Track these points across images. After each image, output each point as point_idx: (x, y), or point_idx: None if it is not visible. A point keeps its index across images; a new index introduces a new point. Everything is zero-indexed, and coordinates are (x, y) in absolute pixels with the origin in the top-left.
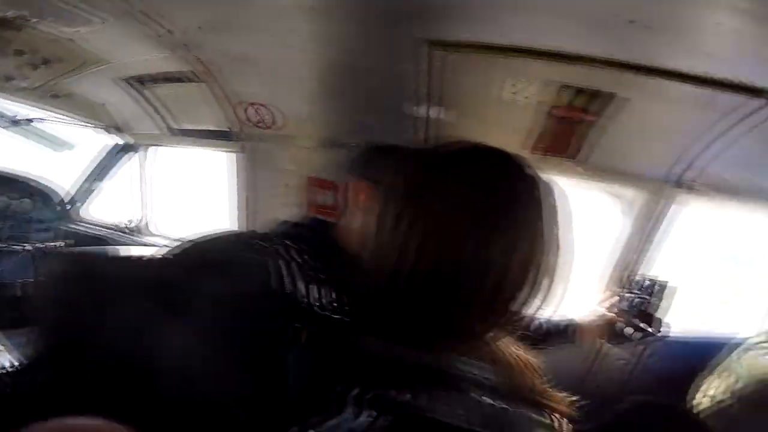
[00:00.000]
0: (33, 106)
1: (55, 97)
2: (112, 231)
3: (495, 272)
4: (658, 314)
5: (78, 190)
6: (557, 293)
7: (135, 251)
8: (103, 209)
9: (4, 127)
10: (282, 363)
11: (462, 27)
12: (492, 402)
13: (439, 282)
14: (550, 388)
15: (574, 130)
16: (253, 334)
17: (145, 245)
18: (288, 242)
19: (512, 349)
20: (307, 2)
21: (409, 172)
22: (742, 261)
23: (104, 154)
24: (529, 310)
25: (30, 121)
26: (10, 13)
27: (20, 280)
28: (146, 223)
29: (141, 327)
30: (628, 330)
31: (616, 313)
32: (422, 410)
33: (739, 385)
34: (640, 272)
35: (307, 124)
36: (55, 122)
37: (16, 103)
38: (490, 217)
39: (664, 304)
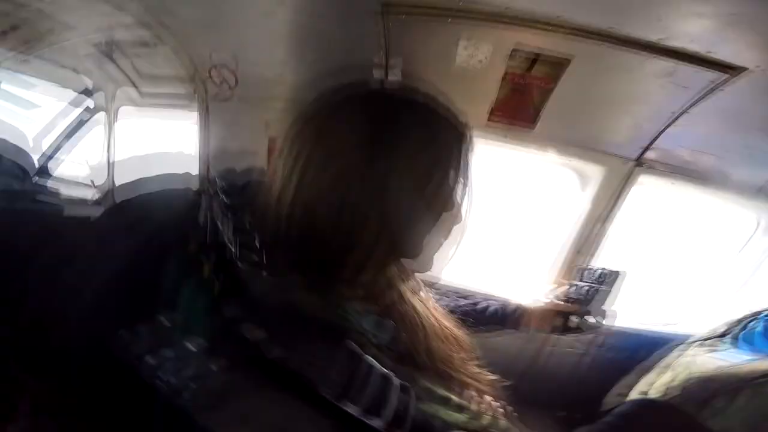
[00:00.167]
0: (2, 69)
1: (24, 62)
2: (75, 193)
3: (375, 214)
4: (606, 305)
5: (44, 152)
6: (450, 249)
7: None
8: (67, 171)
9: None
10: (178, 289)
11: None
12: (374, 365)
13: (317, 223)
14: (480, 367)
15: (531, 97)
16: (161, 257)
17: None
18: (220, 189)
19: (436, 316)
20: None
21: (294, 120)
22: (698, 251)
23: (72, 117)
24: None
25: None
26: None
27: None
28: (110, 186)
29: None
30: (574, 320)
31: (564, 302)
32: (277, 358)
33: (675, 383)
34: (593, 254)
35: (270, 87)
36: (23, 86)
37: None
38: (368, 159)
39: (614, 294)
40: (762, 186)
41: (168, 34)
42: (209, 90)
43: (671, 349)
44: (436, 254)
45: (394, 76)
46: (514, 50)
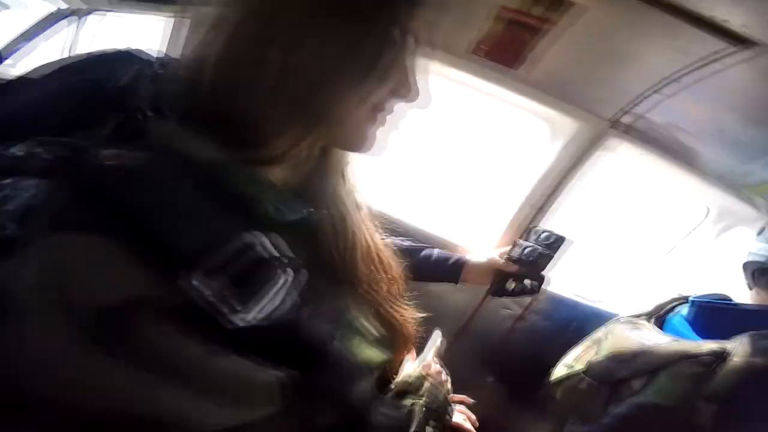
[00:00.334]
0: None
1: None
2: None
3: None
4: (547, 270)
5: (7, 46)
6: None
7: None
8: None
9: None
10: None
11: None
12: (258, 242)
13: (229, 76)
14: (403, 300)
15: (522, 37)
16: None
17: None
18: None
19: (373, 237)
20: None
21: None
22: (646, 229)
23: (42, 17)
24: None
25: None
26: None
27: None
28: None
29: None
30: (510, 284)
31: (505, 261)
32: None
33: (598, 358)
34: (546, 212)
35: None
36: None
37: None
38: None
39: (556, 259)
40: (722, 174)
41: None
42: None
43: (603, 324)
44: (372, 134)
45: None
46: None
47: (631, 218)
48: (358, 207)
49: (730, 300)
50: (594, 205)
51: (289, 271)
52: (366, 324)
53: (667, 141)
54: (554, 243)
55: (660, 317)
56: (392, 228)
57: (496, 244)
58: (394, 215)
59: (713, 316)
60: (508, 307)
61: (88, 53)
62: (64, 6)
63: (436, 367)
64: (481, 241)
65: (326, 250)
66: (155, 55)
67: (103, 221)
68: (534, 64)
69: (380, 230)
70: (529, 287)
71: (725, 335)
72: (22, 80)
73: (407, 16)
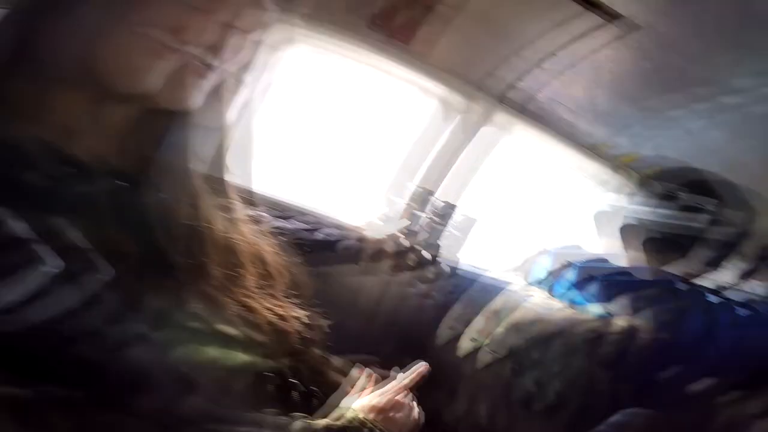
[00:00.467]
0: None
1: None
2: None
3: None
4: (443, 242)
5: None
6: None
7: None
8: None
9: None
10: None
11: None
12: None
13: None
14: (292, 299)
15: (412, 11)
16: None
17: None
18: None
19: (221, 225)
20: None
21: None
22: (542, 202)
23: None
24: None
25: None
26: None
27: None
28: None
29: None
30: (411, 257)
31: (403, 235)
32: None
33: (499, 330)
34: (438, 191)
35: None
36: None
37: None
38: None
39: (455, 232)
40: (594, 145)
41: None
42: None
43: (499, 295)
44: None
45: None
46: None
47: (522, 192)
48: (209, 191)
49: (607, 261)
50: (486, 181)
51: (56, 261)
52: (213, 323)
53: (549, 115)
54: (451, 214)
55: (550, 284)
56: (278, 208)
57: (388, 220)
58: (280, 196)
59: (597, 279)
60: (413, 286)
61: None
62: None
63: (399, 400)
64: (372, 216)
65: (156, 239)
66: None
67: None
68: (426, 40)
69: (259, 219)
70: (428, 260)
71: (610, 297)
72: None
73: None
